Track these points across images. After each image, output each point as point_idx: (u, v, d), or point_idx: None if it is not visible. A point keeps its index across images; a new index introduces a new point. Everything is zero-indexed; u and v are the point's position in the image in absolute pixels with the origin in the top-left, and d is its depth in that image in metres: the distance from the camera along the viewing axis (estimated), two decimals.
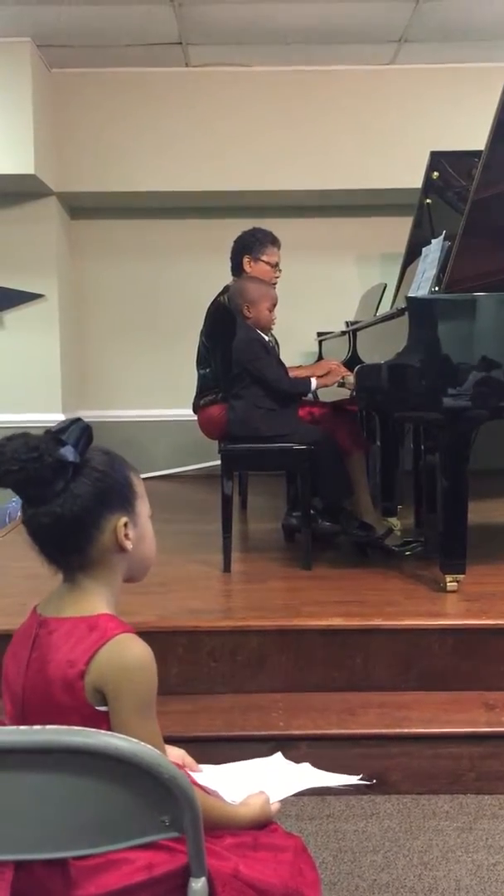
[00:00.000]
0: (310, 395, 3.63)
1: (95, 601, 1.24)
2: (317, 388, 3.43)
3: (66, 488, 1.18)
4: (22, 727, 1.00)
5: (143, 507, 1.29)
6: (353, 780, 1.54)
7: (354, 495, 3.51)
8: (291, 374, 3.49)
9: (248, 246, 3.89)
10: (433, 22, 4.70)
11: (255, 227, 3.97)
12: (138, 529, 1.27)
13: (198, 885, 1.08)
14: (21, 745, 0.97)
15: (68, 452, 1.18)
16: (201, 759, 1.50)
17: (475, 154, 3.11)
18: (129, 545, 1.25)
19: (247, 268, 3.87)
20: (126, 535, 1.24)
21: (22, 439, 1.17)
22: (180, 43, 4.94)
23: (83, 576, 1.25)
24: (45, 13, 4.51)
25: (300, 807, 2.16)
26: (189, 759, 1.44)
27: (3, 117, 4.84)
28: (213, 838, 1.18)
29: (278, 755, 1.61)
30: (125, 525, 1.24)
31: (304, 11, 4.55)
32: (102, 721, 1.16)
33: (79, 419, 1.23)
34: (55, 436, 1.19)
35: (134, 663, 1.17)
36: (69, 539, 1.21)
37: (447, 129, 4.94)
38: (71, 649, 1.18)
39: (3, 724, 1.24)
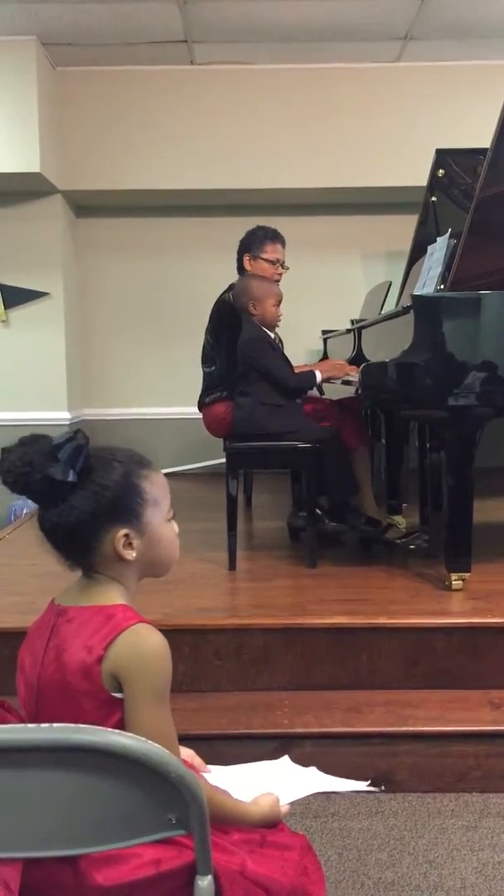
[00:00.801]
0: (315, 391, 3.63)
1: (112, 593, 1.26)
2: (322, 381, 3.44)
3: (64, 499, 1.21)
4: (30, 725, 1.01)
5: (154, 513, 1.28)
6: (361, 785, 1.55)
7: (358, 491, 3.51)
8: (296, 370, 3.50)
9: (248, 244, 3.92)
10: (438, 19, 4.69)
11: (258, 226, 3.97)
12: (147, 537, 1.27)
13: (204, 882, 1.08)
14: (29, 743, 0.97)
15: (56, 472, 1.19)
16: (207, 756, 1.51)
17: (481, 151, 3.11)
18: (128, 556, 1.26)
19: (247, 266, 3.88)
20: (128, 545, 1.25)
21: (21, 450, 1.20)
22: (185, 41, 4.94)
23: (98, 573, 1.27)
24: (50, 11, 4.51)
25: (305, 805, 2.16)
26: (198, 760, 1.46)
27: (9, 116, 4.84)
28: (221, 833, 1.20)
29: (286, 758, 1.61)
30: (126, 536, 1.25)
31: (309, 9, 4.55)
32: (117, 708, 1.18)
33: (76, 435, 1.23)
34: (52, 451, 1.20)
35: (150, 652, 1.19)
36: (70, 545, 1.25)
37: (453, 127, 4.93)
38: (89, 636, 1.20)
39: (14, 719, 1.26)
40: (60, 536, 1.23)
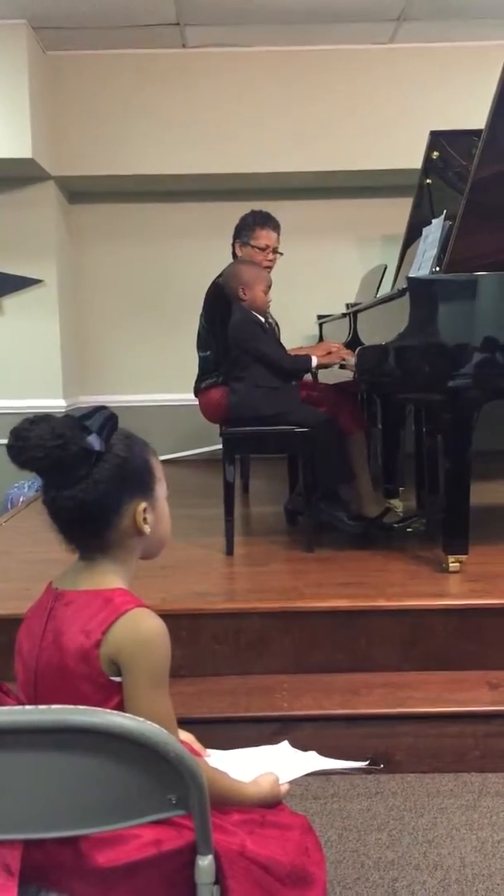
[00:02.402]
0: (309, 376, 3.62)
1: (112, 577, 1.26)
2: (317, 367, 3.43)
3: (88, 474, 1.19)
4: (29, 707, 1.01)
5: (161, 489, 1.31)
6: (361, 764, 1.56)
7: (354, 477, 3.50)
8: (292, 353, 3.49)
9: (239, 230, 3.91)
10: (432, 0, 4.65)
11: (251, 210, 3.95)
12: (156, 512, 1.30)
13: (204, 862, 1.09)
14: (28, 724, 0.97)
15: (94, 441, 1.19)
16: (206, 740, 1.51)
17: (475, 133, 3.10)
18: (147, 529, 1.27)
19: (238, 252, 3.87)
20: (145, 520, 1.26)
21: (47, 424, 1.17)
22: (177, 24, 4.90)
23: (101, 555, 1.27)
24: None
25: (305, 786, 2.17)
26: (197, 745, 1.46)
27: (0, 101, 4.80)
28: (221, 814, 1.20)
29: (285, 743, 1.62)
30: (144, 510, 1.26)
31: None
32: (116, 691, 1.18)
33: (103, 407, 1.24)
34: (80, 422, 1.19)
35: (149, 636, 1.19)
36: (89, 522, 1.23)
37: (447, 108, 4.90)
38: (87, 620, 1.20)
39: (13, 702, 1.26)
40: (82, 513, 1.21)
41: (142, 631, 1.19)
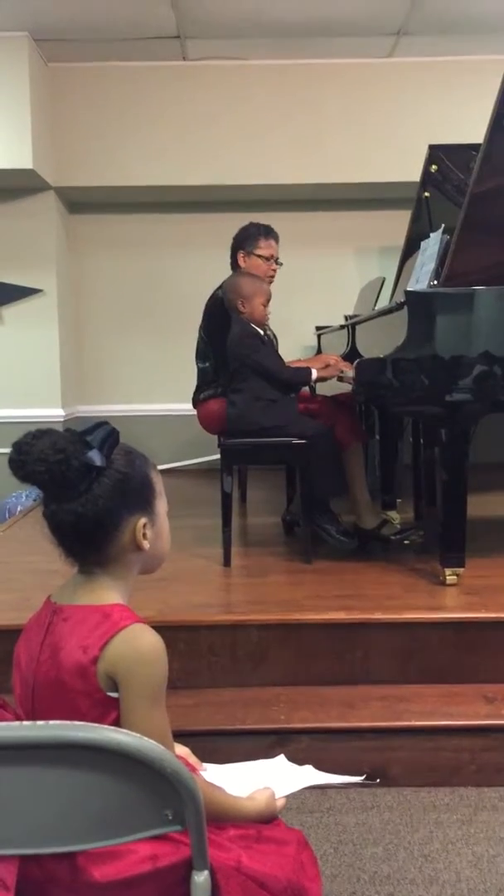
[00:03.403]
0: (306, 388, 3.62)
1: (110, 592, 1.26)
2: (316, 380, 3.43)
3: (88, 489, 1.20)
4: (26, 723, 1.01)
5: (161, 505, 1.31)
6: (357, 779, 1.56)
7: (351, 488, 3.49)
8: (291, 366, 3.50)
9: (242, 241, 3.92)
10: (431, 14, 4.69)
11: (251, 222, 3.97)
12: (156, 528, 1.30)
13: (201, 878, 1.09)
14: (24, 740, 0.97)
15: (95, 456, 1.19)
16: (202, 753, 1.51)
17: (474, 147, 3.11)
18: (146, 545, 1.27)
19: (241, 263, 3.89)
20: (144, 535, 1.26)
21: (49, 439, 1.18)
22: (178, 37, 4.93)
23: (100, 570, 1.27)
24: (42, 7, 4.50)
25: (301, 800, 2.17)
26: (193, 759, 1.46)
27: (1, 112, 4.82)
28: (217, 829, 1.20)
29: (281, 757, 1.62)
30: (144, 525, 1.26)
31: (301, 4, 4.54)
32: (113, 707, 1.18)
33: (105, 422, 1.24)
34: (81, 437, 1.20)
35: (146, 653, 1.19)
36: (89, 537, 1.23)
37: (445, 123, 4.94)
38: (85, 636, 1.20)
39: (10, 716, 1.26)
40: (82, 528, 1.21)
41: (139, 647, 1.19)
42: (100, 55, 5.14)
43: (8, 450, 1.18)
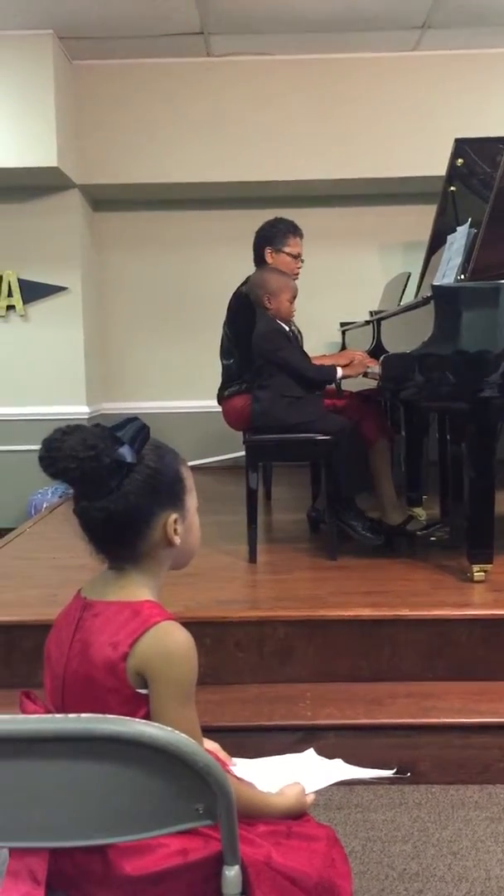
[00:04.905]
0: (333, 386, 3.61)
1: (141, 588, 1.26)
2: (342, 378, 3.42)
3: (119, 486, 1.19)
4: (58, 716, 1.01)
5: (191, 500, 1.31)
6: (387, 773, 1.54)
7: (376, 485, 3.48)
8: (315, 362, 3.48)
9: (270, 237, 3.87)
10: (456, 7, 4.65)
11: (277, 218, 3.94)
12: (187, 523, 1.29)
13: (231, 873, 1.09)
14: (57, 733, 0.98)
15: (126, 453, 1.18)
16: (230, 748, 1.51)
17: (500, 140, 3.09)
18: (177, 540, 1.26)
19: (269, 259, 3.85)
20: (175, 531, 1.26)
21: (80, 435, 1.17)
22: (202, 33, 4.93)
23: (131, 566, 1.27)
24: (67, 5, 4.51)
25: (328, 796, 2.16)
26: (223, 754, 1.45)
27: (26, 110, 4.85)
28: (247, 825, 1.19)
29: (311, 751, 1.61)
30: (175, 521, 1.26)
31: None
32: (142, 704, 1.18)
33: (135, 418, 1.23)
34: (112, 434, 1.19)
35: (176, 650, 1.19)
36: (120, 533, 1.23)
37: (472, 116, 4.90)
38: (115, 632, 1.19)
39: (40, 709, 1.26)
40: (113, 524, 1.20)
41: (169, 644, 1.18)
42: (124, 52, 5.15)
43: (32, 446, 1.18)
